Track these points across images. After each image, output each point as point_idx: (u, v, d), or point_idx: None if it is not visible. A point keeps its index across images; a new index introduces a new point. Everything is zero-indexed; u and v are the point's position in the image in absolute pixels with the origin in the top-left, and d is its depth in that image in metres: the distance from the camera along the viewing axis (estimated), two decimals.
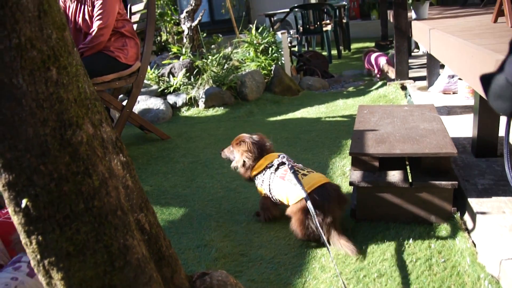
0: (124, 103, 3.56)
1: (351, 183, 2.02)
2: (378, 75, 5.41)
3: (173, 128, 4.22)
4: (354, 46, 8.91)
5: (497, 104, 1.09)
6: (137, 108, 4.55)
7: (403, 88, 4.67)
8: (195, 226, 2.28)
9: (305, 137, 3.50)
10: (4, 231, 1.76)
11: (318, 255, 1.90)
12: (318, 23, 7.26)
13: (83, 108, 1.04)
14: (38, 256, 1.03)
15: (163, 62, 5.60)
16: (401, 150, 1.98)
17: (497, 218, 1.78)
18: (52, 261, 1.02)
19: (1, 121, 0.94)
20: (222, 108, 4.66)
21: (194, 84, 4.91)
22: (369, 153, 2.01)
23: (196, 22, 5.97)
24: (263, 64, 5.23)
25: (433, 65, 4.25)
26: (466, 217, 1.97)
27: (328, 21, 7.91)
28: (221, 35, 7.70)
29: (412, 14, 4.43)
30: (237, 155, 2.23)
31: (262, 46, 5.34)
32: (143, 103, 4.66)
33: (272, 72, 5.12)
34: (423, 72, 4.88)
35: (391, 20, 5.85)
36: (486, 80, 1.09)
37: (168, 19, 7.39)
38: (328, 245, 1.75)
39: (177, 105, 4.82)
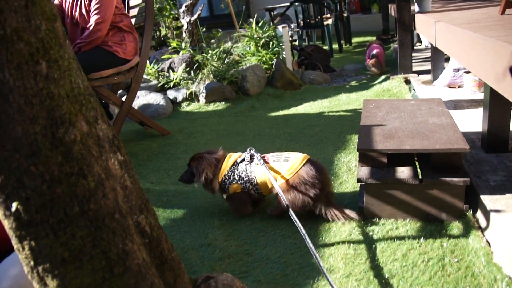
0: (124, 98, 3.48)
1: (358, 180, 1.95)
2: (367, 63, 5.42)
3: (174, 124, 4.15)
4: (355, 40, 8.82)
5: None
6: (136, 104, 4.47)
7: (407, 82, 4.59)
8: (198, 225, 2.21)
9: (308, 132, 3.42)
10: None
11: (326, 254, 1.83)
12: (319, 17, 7.17)
13: (76, 104, 0.97)
14: (32, 263, 0.96)
15: (163, 57, 5.51)
16: (410, 146, 1.91)
17: None
18: (47, 267, 0.95)
19: None
20: (223, 103, 4.58)
21: (194, 79, 4.83)
22: (378, 149, 1.94)
23: (195, 16, 5.88)
24: (264, 59, 5.15)
25: (437, 59, 4.17)
26: (479, 214, 1.90)
27: (328, 15, 7.82)
28: (220, 30, 7.61)
29: (415, 7, 4.35)
30: (197, 174, 2.19)
31: (263, 40, 5.25)
32: (143, 98, 4.58)
33: (273, 67, 5.04)
34: (427, 66, 4.80)
35: (393, 14, 5.77)
36: None
37: (167, 14, 7.30)
38: (308, 242, 1.82)
39: (177, 100, 4.74)
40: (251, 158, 2.15)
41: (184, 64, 5.02)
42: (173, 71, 5.08)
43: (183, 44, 5.45)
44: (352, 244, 1.86)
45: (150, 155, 3.36)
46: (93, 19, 3.19)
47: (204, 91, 4.61)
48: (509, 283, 1.48)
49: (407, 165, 2.02)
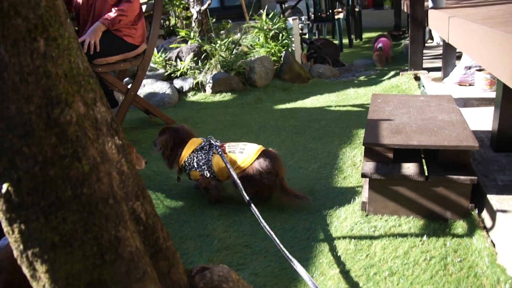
0: (129, 86, 3.46)
1: (363, 175, 1.91)
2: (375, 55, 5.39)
3: (179, 113, 4.12)
4: (366, 35, 8.73)
5: None
6: (142, 92, 4.45)
7: (417, 78, 4.53)
8: (197, 215, 2.18)
9: (314, 126, 3.38)
10: None
11: (326, 249, 1.80)
12: (330, 11, 7.09)
13: (74, 84, 0.94)
14: (21, 247, 0.94)
15: (171, 46, 5.47)
16: (418, 142, 1.87)
17: None
18: (36, 252, 0.93)
19: None
20: (230, 93, 4.55)
21: (201, 69, 4.79)
22: (384, 144, 1.90)
23: (205, 6, 5.83)
24: (272, 50, 5.10)
25: (449, 56, 4.10)
26: (485, 214, 1.86)
27: (340, 9, 7.74)
28: (230, 21, 7.55)
29: (428, 3, 4.27)
30: (154, 146, 2.37)
31: (273, 32, 5.20)
32: (149, 86, 4.55)
33: (281, 59, 4.99)
34: (437, 63, 4.73)
35: (405, 10, 5.69)
36: None
37: (177, 3, 7.24)
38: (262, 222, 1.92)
39: (184, 90, 4.71)
40: (210, 146, 2.26)
41: (192, 54, 4.98)
42: (181, 60, 5.05)
43: (192, 34, 5.40)
44: (353, 239, 1.83)
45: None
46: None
47: (211, 81, 4.58)
48: None
49: (414, 161, 1.98)
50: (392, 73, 5.02)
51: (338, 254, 1.76)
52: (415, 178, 1.86)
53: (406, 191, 1.91)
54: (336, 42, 7.14)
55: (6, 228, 0.93)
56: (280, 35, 5.21)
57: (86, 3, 3.33)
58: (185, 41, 5.63)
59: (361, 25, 8.50)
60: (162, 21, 7.75)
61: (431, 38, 6.71)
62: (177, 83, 4.76)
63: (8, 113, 0.85)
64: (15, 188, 0.88)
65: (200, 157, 2.23)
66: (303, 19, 6.43)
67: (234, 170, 2.08)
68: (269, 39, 5.20)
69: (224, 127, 3.57)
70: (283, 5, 7.57)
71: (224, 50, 4.90)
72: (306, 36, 6.81)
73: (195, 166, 2.24)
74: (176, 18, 7.72)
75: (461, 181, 1.81)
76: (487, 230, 1.78)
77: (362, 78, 5.10)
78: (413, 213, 1.93)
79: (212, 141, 2.27)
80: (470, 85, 3.75)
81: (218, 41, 5.00)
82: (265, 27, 5.19)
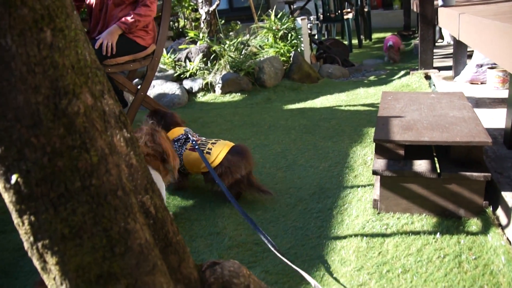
0: (139, 87, 3.46)
1: (374, 172, 1.89)
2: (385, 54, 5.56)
3: (189, 113, 4.12)
4: (375, 36, 8.68)
5: None
6: (152, 93, 4.46)
7: (427, 77, 4.49)
8: (207, 213, 2.17)
9: (324, 125, 3.36)
10: None
11: (338, 247, 1.78)
12: (339, 11, 7.06)
13: (81, 76, 0.93)
14: (31, 238, 0.93)
15: (180, 47, 5.48)
16: (429, 138, 1.84)
17: None
18: (46, 244, 0.92)
19: None
20: (239, 94, 4.54)
21: (210, 69, 4.79)
22: (395, 140, 1.88)
23: (214, 6, 5.84)
24: (282, 51, 5.08)
25: (460, 54, 4.05)
26: (499, 212, 1.82)
27: (349, 10, 7.70)
28: (239, 22, 7.55)
29: (438, 1, 4.23)
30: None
31: (281, 32, 5.18)
32: (159, 87, 4.56)
33: (291, 59, 4.97)
34: (448, 62, 4.69)
35: (415, 10, 5.65)
36: None
37: (186, 5, 7.27)
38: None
39: (193, 90, 4.71)
40: (186, 140, 2.35)
41: (201, 54, 4.98)
42: (190, 61, 5.05)
43: (201, 35, 5.41)
44: (365, 237, 1.80)
45: None
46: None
47: (220, 81, 4.58)
48: None
49: (425, 158, 1.95)
50: (402, 72, 4.97)
51: (350, 252, 1.73)
52: (427, 175, 1.84)
53: (418, 188, 1.88)
54: (345, 42, 7.11)
55: (16, 220, 0.93)
56: (289, 35, 5.19)
57: (99, 3, 3.34)
58: (194, 42, 5.64)
59: (371, 25, 8.45)
60: (171, 22, 7.77)
61: (442, 37, 6.65)
62: (187, 83, 4.76)
63: (16, 103, 0.84)
64: (24, 179, 0.87)
65: (174, 148, 2.30)
66: (312, 19, 6.41)
67: (202, 168, 2.24)
68: (278, 39, 5.18)
69: (234, 127, 3.56)
70: (291, 6, 7.56)
71: (233, 50, 4.90)
72: (316, 37, 6.79)
73: None
74: (185, 20, 7.74)
75: (474, 178, 1.78)
76: (503, 228, 1.75)
77: (372, 78, 5.07)
78: (426, 211, 1.90)
79: (189, 135, 2.37)
80: (482, 83, 3.70)
81: (227, 42, 5.00)
82: (274, 27, 5.17)
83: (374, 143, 1.98)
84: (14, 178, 0.87)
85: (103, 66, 3.09)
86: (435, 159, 1.98)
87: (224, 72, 4.66)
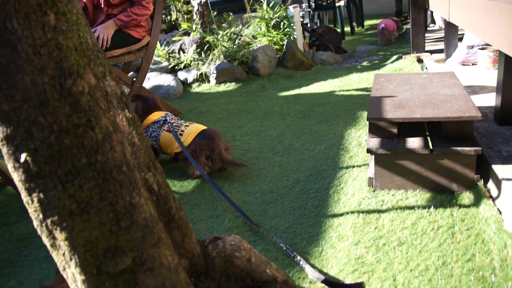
0: (135, 79, 3.49)
1: (368, 150, 1.94)
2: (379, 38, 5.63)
3: (184, 104, 4.15)
4: (367, 23, 8.71)
5: None
6: (147, 85, 4.48)
7: (419, 61, 4.53)
8: (207, 197, 2.22)
9: (319, 110, 3.40)
10: None
11: (335, 224, 1.83)
12: None
13: (84, 58, 0.97)
14: (41, 216, 0.97)
15: (173, 38, 5.50)
16: (421, 115, 1.89)
17: None
18: (55, 220, 0.96)
19: None
20: (234, 83, 4.57)
21: (205, 60, 4.82)
22: (388, 118, 1.92)
23: None
24: (275, 39, 5.11)
25: (451, 36, 4.10)
26: (490, 184, 1.88)
27: None
28: (232, 14, 7.56)
29: None
30: None
31: (274, 20, 5.21)
32: (154, 79, 4.59)
33: (284, 47, 5.00)
34: (440, 46, 4.73)
35: None
36: None
37: None
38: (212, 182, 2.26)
39: (188, 81, 4.74)
40: (164, 122, 2.56)
41: (194, 46, 5.01)
42: (184, 52, 5.07)
43: (194, 26, 5.42)
44: (361, 213, 1.86)
45: None
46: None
47: (214, 71, 4.61)
48: None
49: (418, 136, 2.00)
50: (394, 57, 5.02)
51: (347, 228, 1.78)
52: (420, 151, 1.89)
53: (411, 165, 1.93)
54: (338, 30, 7.13)
55: (25, 198, 0.97)
56: (282, 23, 5.22)
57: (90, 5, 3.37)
58: (187, 34, 5.66)
59: (363, 12, 8.48)
60: (163, 16, 7.77)
61: (433, 22, 6.68)
62: (181, 75, 4.79)
63: (23, 84, 0.88)
64: (32, 158, 0.91)
65: (153, 130, 2.57)
66: (304, 7, 6.43)
67: (175, 149, 2.46)
68: (270, 28, 5.21)
69: (229, 115, 3.60)
70: None
71: (226, 40, 4.92)
72: (308, 25, 6.81)
73: (149, 135, 2.57)
74: (178, 13, 7.74)
75: (465, 152, 1.83)
76: (493, 199, 1.81)
77: (365, 63, 5.11)
78: (420, 187, 1.95)
79: (167, 118, 2.57)
80: (473, 64, 3.75)
81: (220, 32, 5.02)
82: (266, 16, 5.20)
83: (368, 123, 2.03)
84: (23, 157, 0.91)
85: None
86: (428, 136, 2.03)
87: (218, 62, 4.69)
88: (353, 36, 7.53)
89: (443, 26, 5.72)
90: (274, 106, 3.69)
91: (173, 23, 7.72)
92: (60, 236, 0.98)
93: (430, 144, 1.93)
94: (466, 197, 1.86)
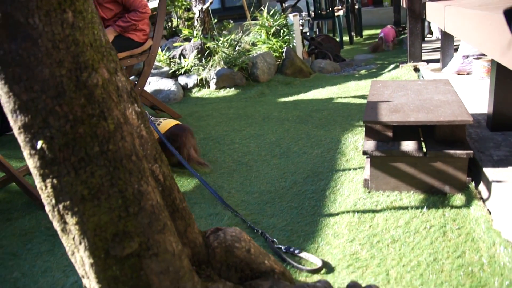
0: (136, 82, 3.56)
1: (364, 152, 2.01)
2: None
3: (184, 108, 4.22)
4: (366, 33, 8.83)
5: None
6: (148, 89, 4.55)
7: (416, 70, 4.62)
8: (206, 197, 2.28)
9: (317, 115, 3.48)
10: None
11: (331, 222, 1.89)
12: (330, 8, 7.19)
13: (98, 53, 1.04)
14: (53, 201, 1.03)
15: (174, 44, 5.58)
16: (415, 119, 1.96)
17: None
18: (67, 205, 1.02)
19: (17, 62, 0.94)
20: (233, 89, 4.65)
21: (205, 66, 4.90)
22: (383, 121, 1.99)
23: (207, 4, 5.94)
24: (274, 47, 5.20)
25: (447, 46, 4.19)
26: (481, 187, 1.95)
27: (340, 7, 7.84)
28: (232, 21, 7.66)
29: None
30: None
31: (274, 28, 5.30)
32: (154, 84, 4.66)
33: (283, 55, 5.08)
34: (436, 56, 4.82)
35: (404, 6, 5.79)
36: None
37: (179, 4, 7.36)
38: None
39: (188, 86, 4.82)
40: None
41: (195, 51, 5.09)
42: (185, 58, 5.15)
43: (195, 32, 5.51)
44: (356, 213, 1.92)
45: None
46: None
47: (214, 77, 4.68)
48: (506, 246, 1.53)
49: (412, 139, 2.06)
50: (392, 66, 5.11)
51: (343, 226, 1.84)
52: (414, 154, 1.95)
53: (406, 167, 2.00)
54: (336, 39, 7.23)
55: (39, 184, 1.03)
56: (281, 31, 5.31)
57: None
58: (188, 41, 5.74)
59: (361, 22, 8.60)
60: (164, 22, 7.86)
61: (431, 33, 6.80)
62: (182, 80, 4.86)
63: (42, 76, 0.94)
64: (48, 145, 0.97)
65: None
66: (303, 15, 6.53)
67: None
68: (270, 36, 5.30)
69: (229, 119, 3.67)
70: (283, 4, 7.68)
71: (227, 46, 5.00)
72: (308, 34, 6.91)
73: None
74: (178, 19, 7.83)
75: (457, 155, 1.90)
76: (484, 201, 1.87)
77: (362, 72, 5.20)
78: (413, 188, 2.02)
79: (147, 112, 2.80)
80: (468, 73, 3.83)
81: (221, 39, 5.10)
82: (266, 24, 5.29)
83: (364, 126, 2.10)
84: (39, 144, 0.97)
85: None
86: (421, 140, 2.10)
87: (218, 68, 4.76)
88: (352, 45, 7.63)
89: (439, 37, 5.82)
90: (273, 111, 3.76)
91: (173, 29, 7.81)
92: (71, 220, 1.04)
93: (423, 147, 1.99)
94: (458, 198, 1.92)
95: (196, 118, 3.81)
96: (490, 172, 1.88)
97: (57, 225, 1.08)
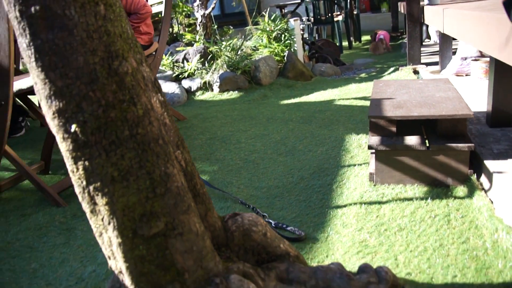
0: None
1: (369, 147, 2.08)
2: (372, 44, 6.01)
3: (189, 111, 4.29)
4: (364, 38, 8.93)
5: None
6: None
7: (415, 72, 4.71)
8: (216, 192, 2.34)
9: (320, 116, 3.55)
10: None
11: (339, 214, 1.96)
12: (329, 14, 7.30)
13: (127, 44, 1.11)
14: (84, 183, 1.10)
15: (177, 49, 5.67)
16: (418, 113, 2.03)
17: None
18: (98, 186, 1.09)
19: (53, 51, 1.01)
20: (236, 92, 4.72)
21: (208, 69, 4.98)
22: (388, 116, 2.07)
23: (209, 9, 6.04)
24: (276, 51, 5.28)
25: (445, 49, 4.28)
26: (483, 178, 2.02)
27: (338, 13, 7.95)
28: (232, 27, 7.76)
29: (424, 1, 4.47)
30: None
31: (275, 33, 5.39)
32: None
33: (285, 58, 5.17)
34: (435, 59, 4.91)
35: (402, 11, 5.90)
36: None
37: (180, 11, 7.47)
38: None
39: (192, 90, 4.89)
40: None
41: (198, 55, 5.17)
42: (188, 61, 5.23)
43: (197, 37, 5.60)
44: (363, 204, 1.99)
45: None
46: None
47: (218, 80, 4.76)
48: (509, 231, 1.60)
49: (415, 134, 2.14)
50: (391, 69, 5.20)
51: (350, 217, 1.91)
52: (417, 148, 2.02)
53: (409, 161, 2.07)
54: (336, 43, 7.33)
55: (71, 167, 1.09)
56: (283, 36, 5.40)
57: None
58: (190, 45, 5.83)
59: (360, 28, 8.70)
60: None
61: (428, 37, 6.90)
62: (185, 83, 4.94)
63: (76, 64, 1.01)
64: (81, 129, 1.04)
65: None
66: (304, 20, 6.63)
67: None
68: (272, 40, 5.39)
69: (233, 120, 3.74)
70: (283, 10, 7.78)
71: (229, 50, 5.09)
72: (308, 38, 7.01)
73: None
74: (179, 25, 7.94)
75: (459, 149, 1.97)
76: (486, 191, 1.94)
77: (363, 75, 5.28)
78: (417, 181, 2.09)
79: None
80: (466, 75, 3.92)
81: (223, 43, 5.19)
82: (267, 29, 5.38)
83: (369, 121, 2.17)
84: (73, 127, 1.04)
85: None
86: (424, 134, 2.17)
87: (221, 71, 4.84)
88: (351, 50, 7.73)
89: (437, 41, 5.92)
90: (276, 112, 3.83)
91: (174, 35, 7.90)
92: (101, 201, 1.10)
93: (426, 141, 2.07)
94: (461, 190, 1.99)
95: (201, 120, 3.89)
96: (491, 164, 1.96)
97: (86, 207, 1.14)
